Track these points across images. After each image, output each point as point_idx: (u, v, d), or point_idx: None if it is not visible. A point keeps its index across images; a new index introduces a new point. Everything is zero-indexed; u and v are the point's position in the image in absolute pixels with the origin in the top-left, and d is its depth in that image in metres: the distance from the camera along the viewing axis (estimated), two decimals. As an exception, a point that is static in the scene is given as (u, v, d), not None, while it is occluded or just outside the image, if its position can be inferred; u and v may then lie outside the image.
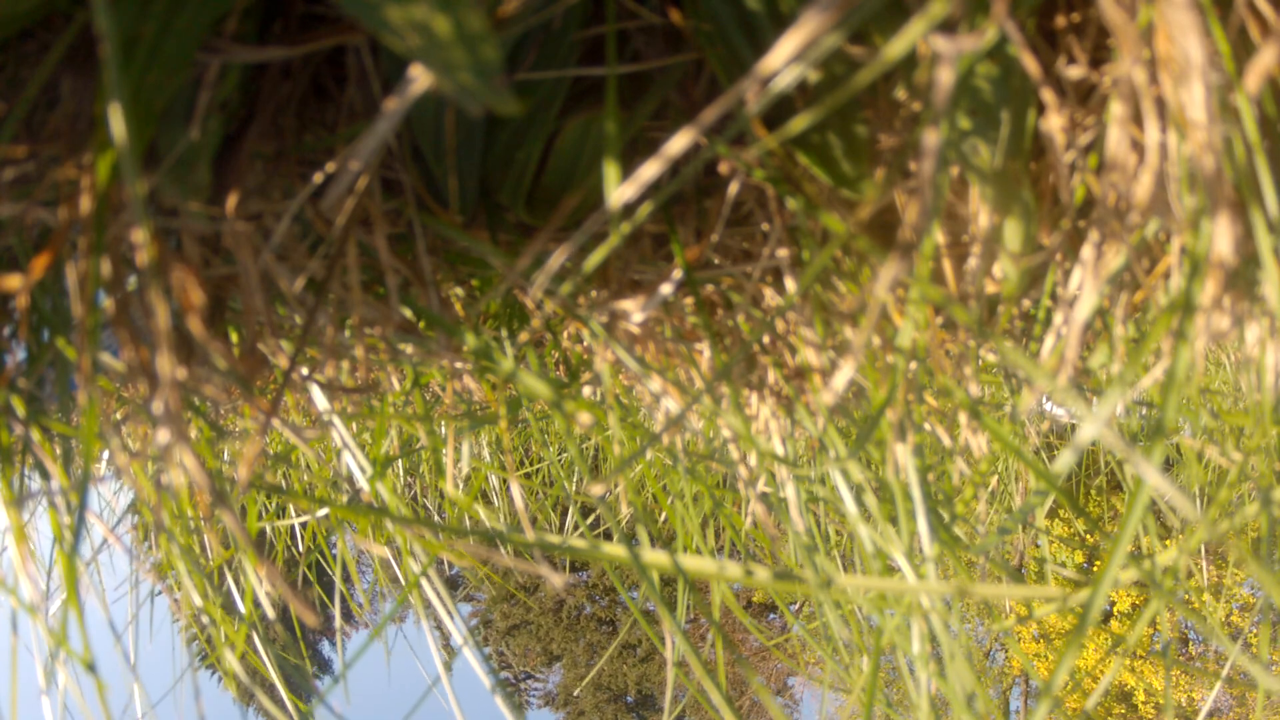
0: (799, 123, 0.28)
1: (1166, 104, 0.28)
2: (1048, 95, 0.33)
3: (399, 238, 0.44)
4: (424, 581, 0.56)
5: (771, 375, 0.56)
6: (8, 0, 0.27)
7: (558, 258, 0.33)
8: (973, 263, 0.39)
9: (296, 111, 0.38)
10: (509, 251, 0.43)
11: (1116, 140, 0.31)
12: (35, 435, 0.42)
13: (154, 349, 0.29)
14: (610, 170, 0.31)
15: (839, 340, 0.49)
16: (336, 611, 1.13)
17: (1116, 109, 0.30)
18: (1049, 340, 0.40)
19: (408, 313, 0.45)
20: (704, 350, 0.57)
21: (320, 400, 0.48)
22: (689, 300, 0.53)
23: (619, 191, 0.28)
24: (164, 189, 0.32)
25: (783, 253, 0.45)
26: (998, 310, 0.46)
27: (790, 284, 0.45)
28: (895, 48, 0.23)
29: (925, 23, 0.23)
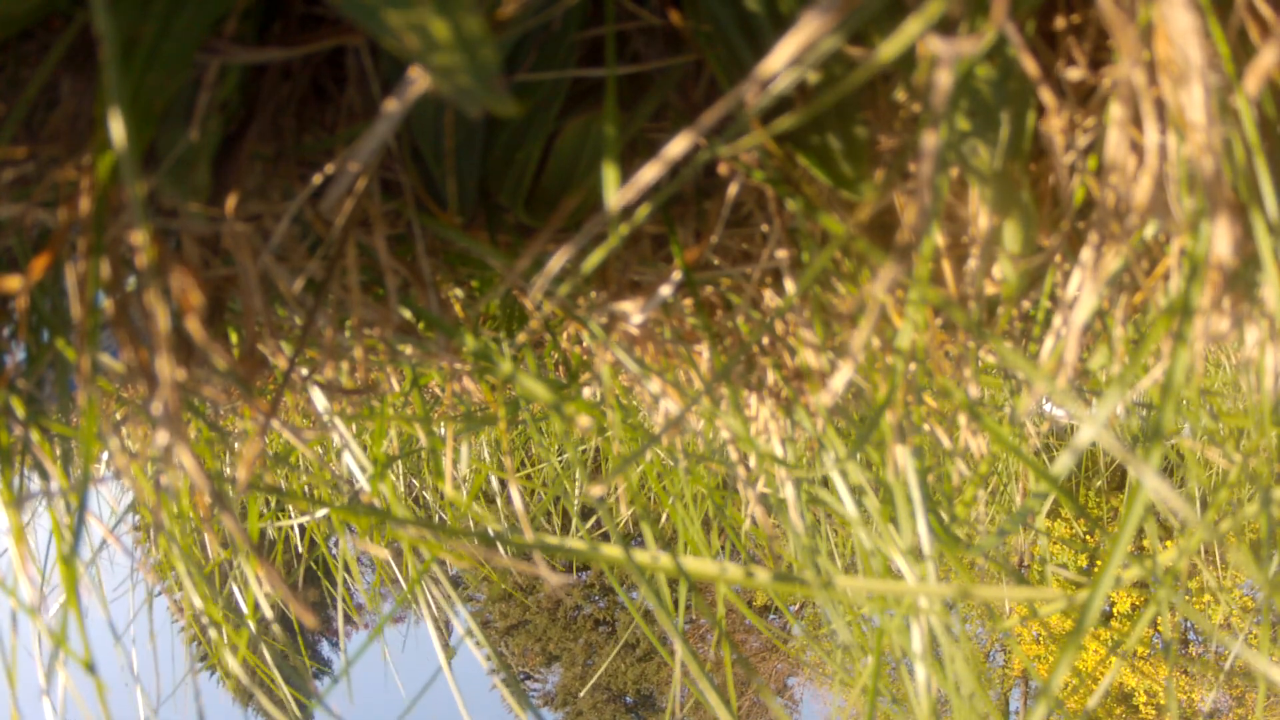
0: (785, 121, 0.28)
1: (1166, 106, 0.28)
2: (1047, 97, 0.33)
3: (398, 239, 0.44)
4: (426, 582, 0.56)
5: (771, 376, 0.56)
6: (8, 0, 0.27)
7: (557, 260, 0.33)
8: (972, 264, 0.39)
9: (296, 112, 0.38)
10: (508, 253, 0.43)
11: (1116, 142, 0.31)
12: (35, 436, 0.42)
13: (153, 350, 0.29)
14: (609, 172, 0.31)
15: (838, 341, 0.49)
16: (338, 612, 1.13)
17: (1116, 111, 0.30)
18: (1048, 342, 0.40)
19: (407, 314, 0.45)
20: (703, 351, 0.57)
21: (320, 401, 0.48)
22: (688, 301, 0.53)
23: (618, 194, 0.28)
24: (163, 190, 0.32)
25: (782, 254, 0.45)
26: (997, 312, 0.46)
27: (790, 285, 0.45)
28: (890, 48, 0.23)
29: (921, 23, 0.23)
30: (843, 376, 0.35)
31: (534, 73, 0.35)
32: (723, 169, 0.39)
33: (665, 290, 0.43)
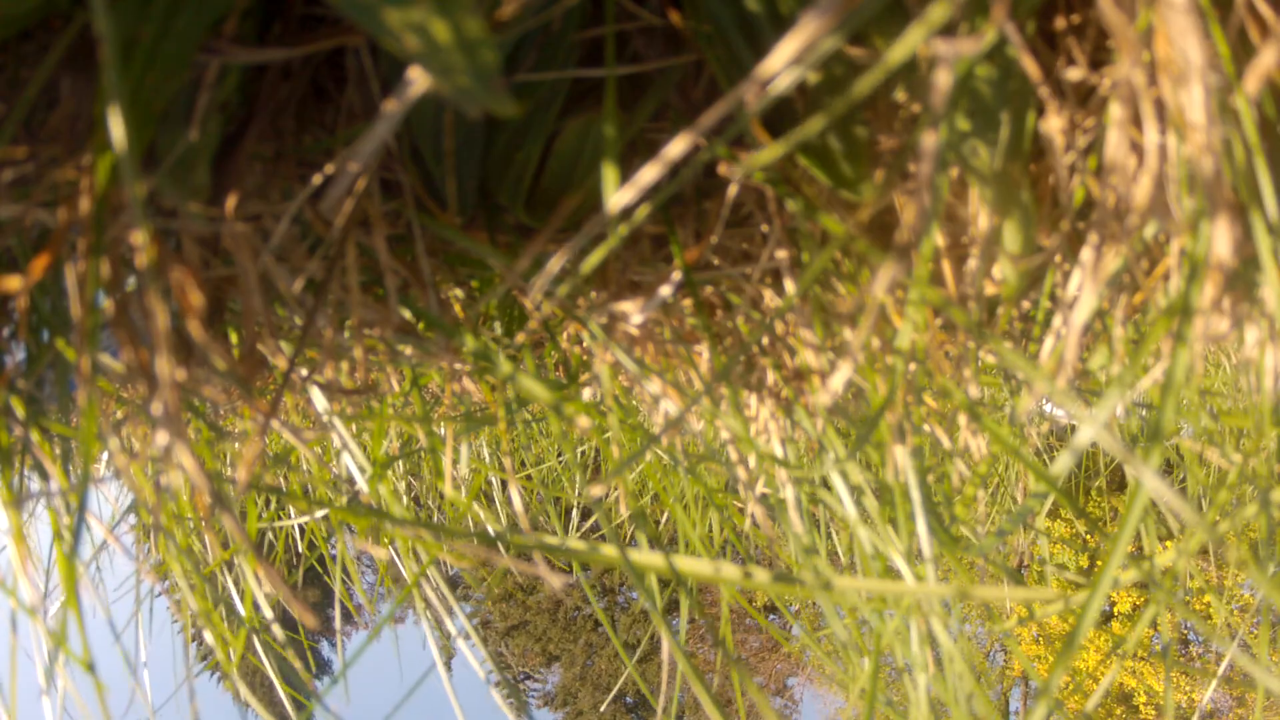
0: (810, 127, 0.28)
1: (1166, 106, 0.28)
2: (1047, 97, 0.33)
3: (398, 239, 0.44)
4: (425, 583, 0.56)
5: (771, 377, 0.56)
6: (8, 1, 0.27)
7: (557, 260, 0.33)
8: (972, 264, 0.39)
9: (296, 113, 0.38)
10: (508, 253, 0.43)
11: (1116, 142, 0.31)
12: (34, 436, 0.42)
13: (153, 350, 0.29)
14: (609, 172, 0.31)
15: (838, 342, 0.49)
16: (336, 613, 1.13)
17: (1116, 111, 0.30)
18: (1048, 342, 0.40)
19: (407, 314, 0.45)
20: (703, 352, 0.57)
21: (320, 401, 0.48)
22: (688, 302, 0.53)
23: (618, 194, 0.28)
24: (163, 190, 0.32)
25: (782, 254, 0.45)
26: (997, 312, 0.46)
27: (789, 285, 0.45)
28: (896, 55, 0.23)
29: (925, 29, 0.23)
30: (842, 376, 0.35)
31: (534, 73, 0.35)
32: (723, 169, 0.39)
33: (665, 290, 0.43)
